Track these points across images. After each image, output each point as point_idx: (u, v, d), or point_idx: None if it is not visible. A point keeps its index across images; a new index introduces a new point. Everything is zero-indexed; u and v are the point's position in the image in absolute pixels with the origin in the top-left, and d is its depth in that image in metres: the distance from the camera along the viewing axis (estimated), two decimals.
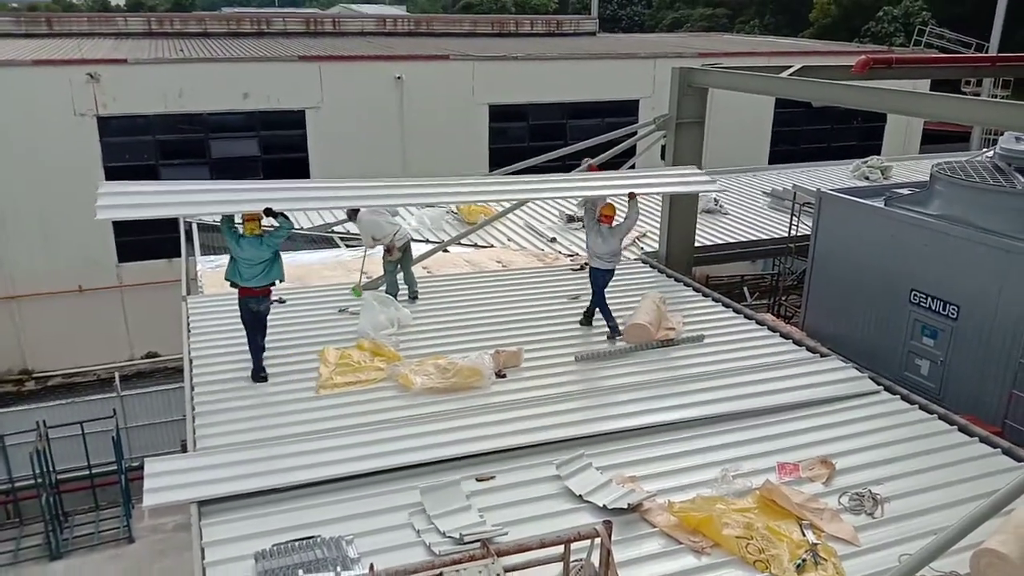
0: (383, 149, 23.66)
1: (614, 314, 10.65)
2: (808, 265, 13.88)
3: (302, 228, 16.18)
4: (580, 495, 6.94)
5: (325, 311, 11.18)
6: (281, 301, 11.44)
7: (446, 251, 14.22)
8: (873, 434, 8.28)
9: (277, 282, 9.24)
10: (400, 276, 11.59)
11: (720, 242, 16.19)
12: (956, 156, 18.68)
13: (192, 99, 22.21)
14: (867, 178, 20.77)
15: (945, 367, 11.23)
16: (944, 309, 11.17)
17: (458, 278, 12.94)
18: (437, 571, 5.17)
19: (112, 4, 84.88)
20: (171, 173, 22.01)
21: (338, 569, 5.74)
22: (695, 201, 14.23)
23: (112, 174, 20.44)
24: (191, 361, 9.53)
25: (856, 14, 49.51)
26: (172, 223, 15.99)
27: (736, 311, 11.71)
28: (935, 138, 32.82)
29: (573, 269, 13.35)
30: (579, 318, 10.97)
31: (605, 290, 10.72)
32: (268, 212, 9.07)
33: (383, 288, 11.49)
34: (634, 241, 15.38)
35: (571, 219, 16.35)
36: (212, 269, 12.92)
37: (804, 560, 6.17)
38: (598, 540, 5.57)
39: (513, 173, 14.31)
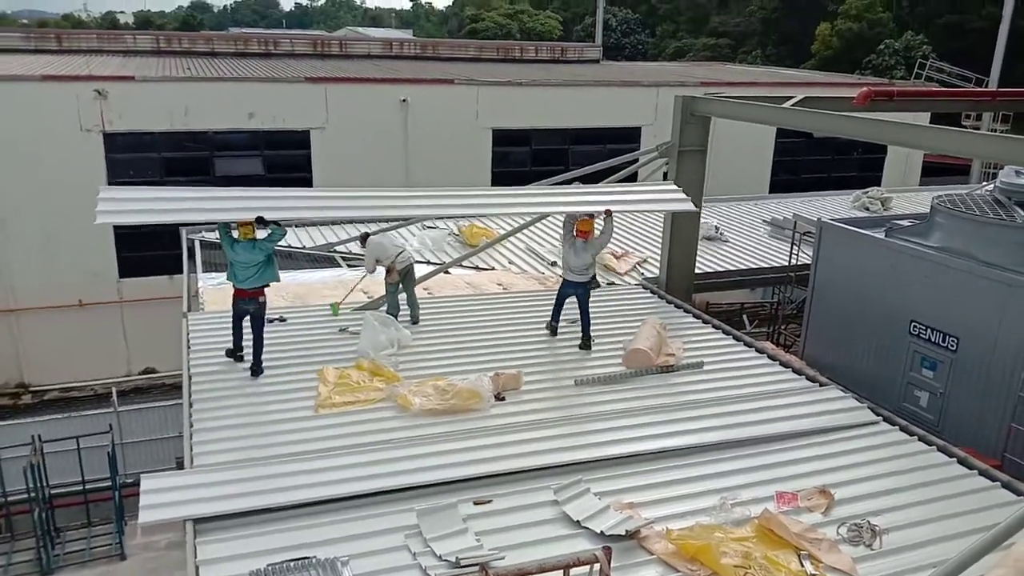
0: (387, 171, 23.80)
1: (615, 338, 10.71)
2: (808, 294, 13.91)
3: (304, 247, 16.24)
4: (578, 520, 6.90)
5: (325, 330, 11.18)
6: (282, 319, 11.47)
7: (447, 273, 14.25)
8: (872, 465, 8.25)
9: (271, 284, 9.72)
10: (403, 299, 11.62)
11: (720, 269, 16.24)
12: (956, 189, 18.79)
13: (198, 117, 22.38)
14: (867, 209, 20.89)
15: (944, 399, 11.22)
16: (944, 341, 11.18)
17: (459, 300, 12.96)
18: None
19: (121, 22, 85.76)
20: None
21: None
22: (696, 228, 14.29)
23: None
24: (190, 378, 9.51)
25: (857, 47, 50.06)
26: (174, 239, 16.05)
27: (736, 339, 11.71)
28: (935, 170, 33.05)
29: None
30: (579, 342, 10.98)
31: (590, 308, 11.06)
32: (260, 221, 9.41)
33: (384, 308, 11.51)
34: (634, 267, 15.43)
35: None
36: (214, 286, 12.95)
37: None
38: (597, 566, 5.54)
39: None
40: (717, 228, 18.14)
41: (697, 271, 14.74)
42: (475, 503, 7.18)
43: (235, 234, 9.41)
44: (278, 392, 9.25)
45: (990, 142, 10.08)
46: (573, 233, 10.80)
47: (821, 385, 10.11)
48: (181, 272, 14.64)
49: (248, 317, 9.65)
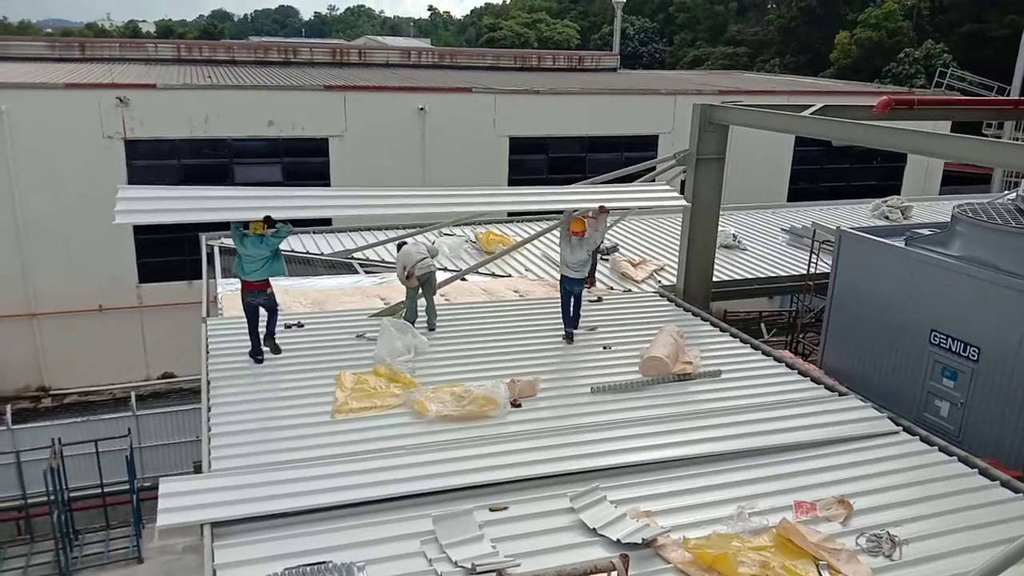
0: (405, 178, 23.90)
1: (632, 346, 10.76)
2: (827, 303, 13.81)
3: (322, 254, 16.33)
4: (594, 528, 6.87)
5: (343, 336, 11.23)
6: (300, 325, 11.53)
7: (464, 279, 14.28)
8: (892, 475, 8.17)
9: (276, 278, 10.32)
10: (423, 306, 11.67)
11: (738, 278, 16.16)
12: (977, 198, 18.63)
13: (218, 125, 22.60)
14: (887, 217, 20.73)
15: (965, 409, 11.09)
16: (965, 351, 11.06)
17: (475, 307, 12.98)
18: None
19: (143, 31, 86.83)
20: None
21: None
22: (714, 236, 14.25)
23: None
24: (209, 383, 9.58)
25: (877, 55, 49.69)
26: (194, 245, 16.19)
27: (754, 347, 11.65)
28: (955, 179, 32.74)
29: (590, 301, 13.35)
30: (597, 350, 11.00)
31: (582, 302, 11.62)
32: (267, 219, 9.83)
33: (402, 314, 11.57)
34: (651, 274, 15.40)
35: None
36: (232, 292, 13.02)
37: None
38: (615, 574, 5.52)
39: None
40: (735, 236, 18.06)
41: (715, 279, 14.70)
42: (491, 510, 7.17)
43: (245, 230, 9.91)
44: (295, 397, 9.30)
45: (1012, 151, 10.00)
46: (568, 232, 11.29)
47: (840, 395, 10.03)
48: (200, 277, 14.77)
49: (261, 310, 10.12)
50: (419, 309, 11.65)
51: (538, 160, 26.60)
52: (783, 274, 16.61)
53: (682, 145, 13.98)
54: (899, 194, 26.41)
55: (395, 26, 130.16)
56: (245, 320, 10.18)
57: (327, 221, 20.59)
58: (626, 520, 7.00)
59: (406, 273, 11.42)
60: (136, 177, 21.76)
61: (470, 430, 8.62)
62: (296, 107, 23.50)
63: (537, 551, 6.55)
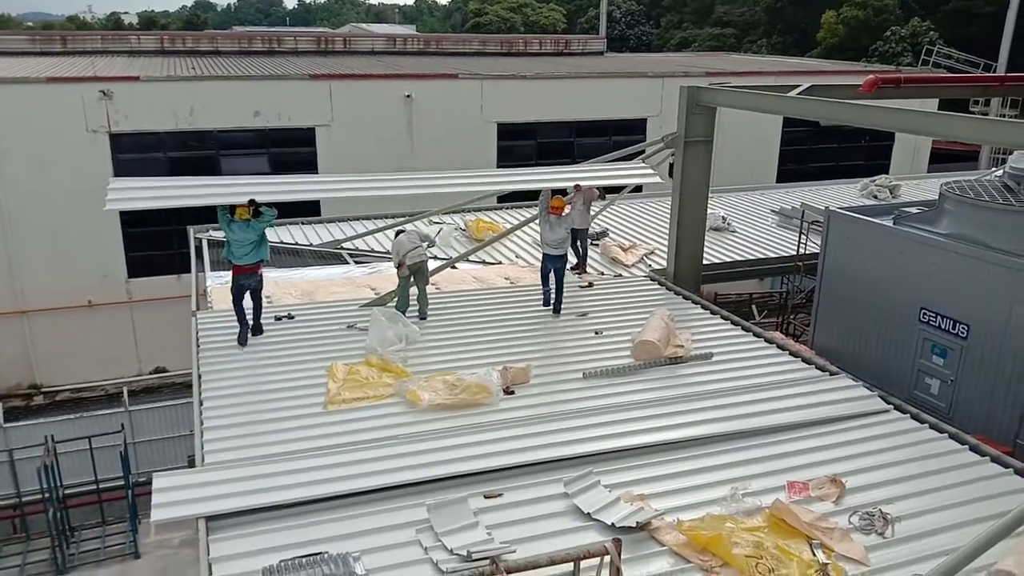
0: (392, 166, 23.72)
1: (623, 330, 10.85)
2: (817, 283, 13.86)
3: (311, 244, 16.27)
4: (588, 513, 6.91)
5: (333, 327, 11.21)
6: (290, 317, 11.50)
7: (454, 268, 14.26)
8: (883, 453, 8.23)
9: (264, 261, 10.57)
10: (414, 295, 11.66)
11: (728, 260, 16.18)
12: (965, 175, 18.66)
13: (203, 116, 22.42)
14: (875, 197, 20.77)
15: (955, 386, 11.17)
16: (954, 328, 11.12)
17: (466, 295, 12.97)
18: None
19: (125, 23, 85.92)
20: None
21: None
22: (703, 219, 14.25)
23: None
24: (200, 376, 9.55)
25: (863, 34, 49.66)
26: (182, 239, 16.10)
27: (745, 329, 11.68)
28: (943, 157, 32.81)
29: (581, 287, 13.36)
30: (588, 335, 11.02)
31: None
32: (252, 203, 10.14)
33: (393, 304, 11.56)
34: (642, 258, 15.40)
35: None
36: (221, 285, 12.97)
37: None
38: (607, 558, 5.55)
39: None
40: (724, 218, 18.08)
41: (705, 262, 14.71)
42: (485, 497, 7.19)
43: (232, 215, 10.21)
44: (288, 389, 9.28)
45: (999, 127, 10.01)
46: (547, 211, 11.62)
47: (831, 374, 10.09)
48: (189, 271, 14.69)
49: (248, 293, 10.47)
50: (411, 298, 11.62)
51: (526, 146, 26.50)
52: (773, 255, 16.64)
53: (670, 128, 13.96)
54: (887, 173, 26.45)
55: (380, 13, 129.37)
56: (234, 312, 10.34)
57: (316, 211, 20.54)
58: (620, 504, 7.03)
59: (397, 262, 11.41)
60: (122, 171, 21.51)
61: (463, 418, 8.63)
62: (282, 97, 23.33)
63: (532, 537, 6.58)
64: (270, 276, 13.51)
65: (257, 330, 10.76)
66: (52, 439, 15.44)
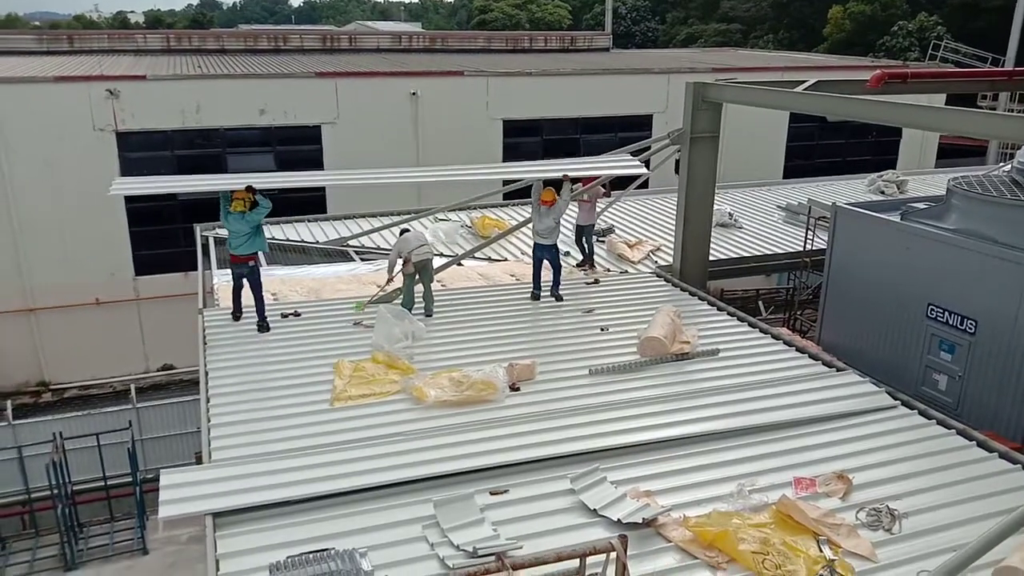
0: (398, 164, 23.72)
1: (629, 327, 10.87)
2: (824, 279, 13.81)
3: (317, 242, 16.29)
4: (594, 509, 6.91)
5: (340, 324, 11.23)
6: (296, 314, 11.53)
7: (460, 265, 14.26)
8: (891, 449, 8.20)
9: (260, 252, 11.13)
10: (420, 291, 11.67)
11: (735, 256, 16.13)
12: (972, 170, 18.59)
13: (209, 115, 22.46)
14: (882, 192, 20.68)
15: (963, 382, 11.12)
16: (962, 324, 11.08)
17: (472, 291, 12.96)
18: None
19: (132, 22, 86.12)
20: None
21: None
22: (709, 215, 14.21)
23: None
24: (207, 373, 9.59)
25: (870, 29, 49.41)
26: (189, 236, 16.13)
27: (751, 325, 11.66)
28: (950, 152, 32.64)
29: (586, 283, 13.35)
30: (594, 331, 11.03)
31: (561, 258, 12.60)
32: (249, 189, 10.58)
33: (399, 301, 11.56)
34: (648, 255, 15.37)
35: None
36: (228, 282, 12.98)
37: None
38: (614, 554, 5.54)
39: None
40: (731, 214, 18.01)
41: (711, 258, 14.67)
42: (492, 493, 7.20)
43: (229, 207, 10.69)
44: (294, 386, 9.30)
45: (1007, 122, 9.96)
46: (539, 202, 12.05)
47: (838, 370, 10.05)
48: (196, 269, 14.73)
49: (247, 281, 10.87)
50: (416, 296, 11.63)
51: (532, 143, 26.46)
52: (779, 251, 16.57)
53: (676, 124, 13.92)
54: (895, 168, 26.34)
55: (385, 11, 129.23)
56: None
57: (322, 209, 20.55)
58: (626, 500, 7.03)
59: (403, 259, 11.40)
60: (129, 169, 21.62)
61: (469, 415, 8.63)
62: (288, 95, 23.35)
63: (538, 533, 6.59)
64: (276, 273, 13.57)
65: (263, 327, 10.82)
66: (60, 436, 15.54)
